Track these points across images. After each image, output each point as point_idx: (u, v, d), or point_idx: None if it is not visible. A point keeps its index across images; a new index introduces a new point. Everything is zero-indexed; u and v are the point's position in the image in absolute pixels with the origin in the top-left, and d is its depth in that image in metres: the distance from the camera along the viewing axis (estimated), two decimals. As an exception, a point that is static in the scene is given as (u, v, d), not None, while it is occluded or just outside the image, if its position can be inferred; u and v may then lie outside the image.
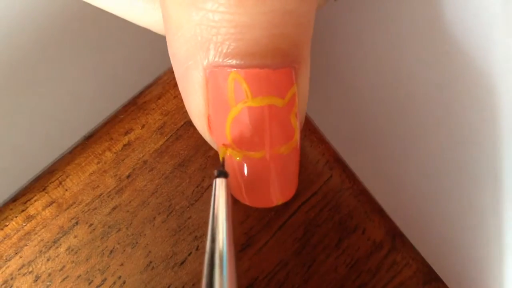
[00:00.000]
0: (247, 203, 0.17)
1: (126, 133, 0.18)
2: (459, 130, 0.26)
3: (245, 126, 0.16)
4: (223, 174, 0.15)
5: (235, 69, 0.15)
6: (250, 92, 0.15)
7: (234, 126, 0.16)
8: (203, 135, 0.18)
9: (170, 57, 0.17)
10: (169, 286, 0.18)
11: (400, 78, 0.26)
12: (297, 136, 0.17)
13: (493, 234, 0.25)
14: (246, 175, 0.17)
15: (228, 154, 0.16)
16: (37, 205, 0.18)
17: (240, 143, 0.16)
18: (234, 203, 0.18)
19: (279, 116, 0.16)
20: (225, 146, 0.16)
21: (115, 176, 0.18)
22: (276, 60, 0.15)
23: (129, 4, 0.18)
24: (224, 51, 0.15)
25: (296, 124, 0.16)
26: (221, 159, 0.16)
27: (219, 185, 0.15)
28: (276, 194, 0.17)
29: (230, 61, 0.15)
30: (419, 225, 0.25)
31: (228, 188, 0.15)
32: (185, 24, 0.15)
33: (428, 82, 0.26)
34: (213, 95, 0.16)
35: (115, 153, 0.18)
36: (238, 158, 0.16)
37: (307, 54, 0.16)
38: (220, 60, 0.15)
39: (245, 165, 0.16)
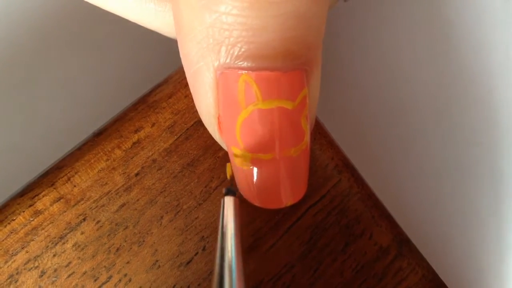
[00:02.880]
0: (257, 204, 0.17)
1: (136, 131, 0.18)
2: (459, 130, 0.25)
3: (255, 128, 0.16)
4: (231, 192, 0.16)
5: (246, 71, 0.15)
6: (261, 94, 0.15)
7: (244, 128, 0.16)
8: (213, 135, 0.18)
9: (181, 57, 0.16)
10: (175, 285, 0.18)
11: (413, 83, 0.26)
12: (307, 138, 0.17)
13: (497, 239, 0.25)
14: (256, 176, 0.17)
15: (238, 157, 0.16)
16: (45, 201, 0.18)
17: (250, 145, 0.16)
18: (242, 204, 0.18)
19: (289, 119, 0.16)
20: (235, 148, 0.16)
21: (123, 173, 0.18)
22: (287, 63, 0.15)
23: (140, 8, 0.18)
24: (236, 53, 0.15)
25: (307, 126, 0.16)
26: (228, 176, 0.16)
27: (228, 203, 0.15)
28: (286, 195, 0.17)
29: (241, 63, 0.15)
30: (425, 231, 0.25)
31: (237, 205, 0.16)
32: (198, 26, 0.15)
33: (432, 83, 0.26)
34: (223, 97, 0.16)
35: (124, 150, 0.18)
36: (248, 159, 0.16)
37: (319, 56, 0.16)
38: (231, 62, 0.15)
39: (255, 167, 0.16)
